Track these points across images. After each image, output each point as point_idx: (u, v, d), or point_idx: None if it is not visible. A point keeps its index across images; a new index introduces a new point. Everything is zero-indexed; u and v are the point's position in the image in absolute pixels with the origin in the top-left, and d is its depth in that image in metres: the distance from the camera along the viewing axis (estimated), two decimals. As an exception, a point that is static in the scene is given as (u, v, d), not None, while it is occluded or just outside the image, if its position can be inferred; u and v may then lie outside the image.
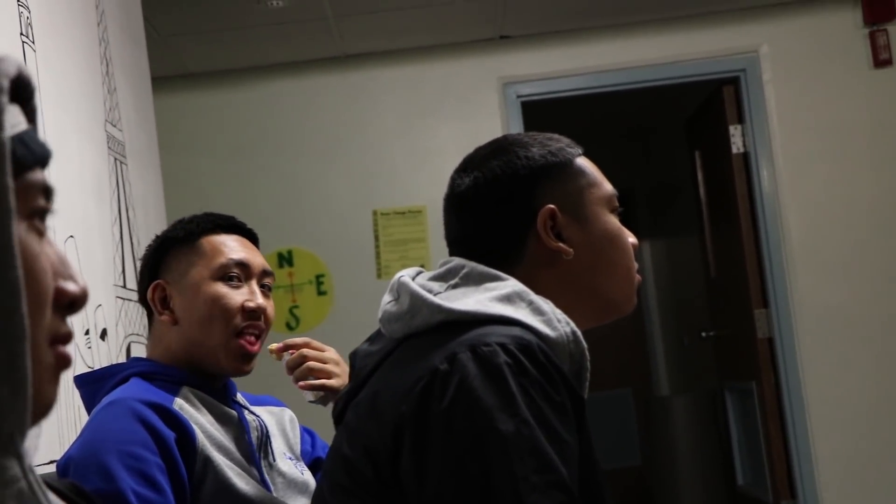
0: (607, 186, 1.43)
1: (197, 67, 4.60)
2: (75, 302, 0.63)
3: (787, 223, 4.47)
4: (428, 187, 4.52)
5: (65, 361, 0.63)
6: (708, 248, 5.18)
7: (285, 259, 4.58)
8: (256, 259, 1.78)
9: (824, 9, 4.52)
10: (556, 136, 1.44)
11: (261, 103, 4.63)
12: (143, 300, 1.77)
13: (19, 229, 0.58)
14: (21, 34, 2.04)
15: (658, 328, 6.88)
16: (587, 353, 1.31)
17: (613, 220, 1.42)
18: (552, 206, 1.37)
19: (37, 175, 0.62)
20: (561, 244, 1.37)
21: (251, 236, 1.83)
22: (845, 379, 4.39)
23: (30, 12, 2.10)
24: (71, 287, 0.63)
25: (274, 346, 1.83)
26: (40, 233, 0.62)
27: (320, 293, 4.57)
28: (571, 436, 1.21)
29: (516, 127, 4.53)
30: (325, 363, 1.78)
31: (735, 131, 4.61)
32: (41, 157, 0.62)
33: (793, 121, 4.51)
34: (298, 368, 1.77)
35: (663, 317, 6.86)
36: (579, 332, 1.30)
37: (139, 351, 2.58)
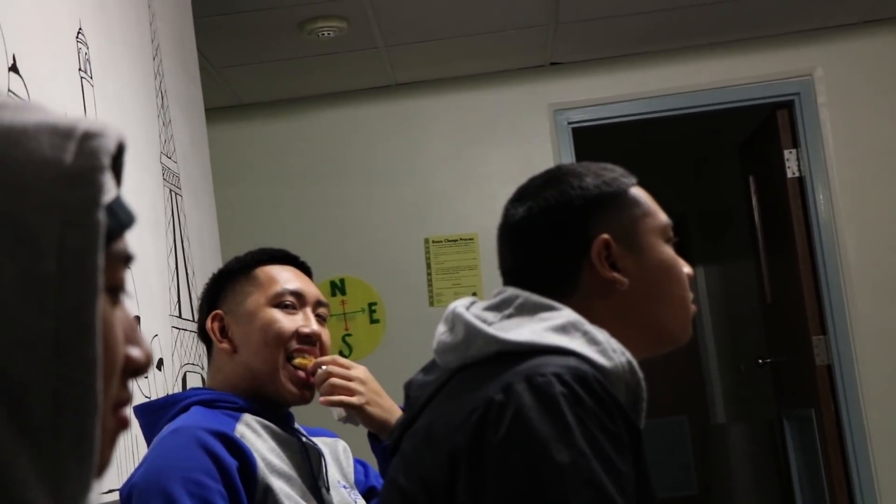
0: (662, 216, 1.42)
1: (249, 98, 4.65)
2: (140, 369, 0.64)
3: (844, 248, 4.41)
4: (479, 215, 4.52)
5: (125, 425, 0.64)
6: (764, 273, 5.12)
7: (338, 287, 4.59)
8: (310, 289, 1.81)
9: (879, 32, 4.47)
10: (609, 165, 1.43)
11: (312, 133, 4.67)
12: (202, 332, 1.80)
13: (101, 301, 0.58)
14: (80, 70, 2.08)
15: (714, 355, 6.80)
16: (643, 384, 1.30)
17: (668, 250, 1.40)
18: (606, 236, 1.36)
19: (120, 245, 0.62)
20: (616, 274, 1.36)
21: (305, 268, 1.87)
22: (907, 406, 4.31)
23: (88, 48, 2.14)
24: (137, 354, 0.63)
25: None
26: (117, 301, 0.62)
27: (373, 321, 4.58)
28: (628, 467, 1.20)
29: (567, 153, 4.52)
30: (349, 380, 1.76)
31: (790, 156, 4.56)
32: (126, 225, 0.63)
33: (848, 145, 4.45)
34: (322, 384, 1.76)
35: (719, 343, 6.78)
36: (635, 363, 1.29)
37: (195, 380, 2.60)
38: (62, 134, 0.58)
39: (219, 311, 1.77)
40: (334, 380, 1.75)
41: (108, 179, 0.59)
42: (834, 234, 4.42)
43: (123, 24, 2.45)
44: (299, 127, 4.68)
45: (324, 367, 1.75)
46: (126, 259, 0.63)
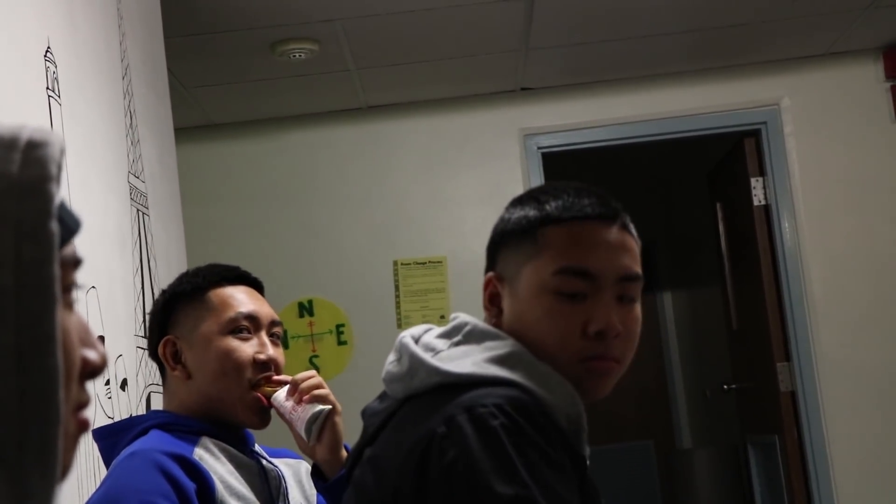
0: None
1: (220, 118, 4.64)
2: (96, 370, 0.64)
3: (809, 276, 4.45)
4: (448, 238, 4.53)
5: (85, 427, 0.64)
6: (730, 300, 5.16)
7: (305, 309, 4.58)
8: (264, 309, 1.79)
9: (846, 63, 4.53)
10: (540, 194, 1.41)
11: (283, 154, 4.67)
12: (153, 355, 1.78)
13: None
14: (47, 88, 2.07)
15: (680, 380, 6.82)
16: (584, 414, 1.31)
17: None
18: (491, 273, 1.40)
19: (68, 250, 0.62)
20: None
21: (257, 285, 1.83)
22: (869, 433, 4.34)
23: (56, 67, 2.13)
24: (93, 356, 0.63)
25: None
26: (69, 305, 0.62)
27: (340, 343, 4.57)
28: (572, 494, 1.20)
29: (536, 177, 4.55)
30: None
31: (756, 184, 4.60)
32: (73, 231, 0.63)
33: (814, 174, 4.50)
34: (306, 382, 1.73)
35: (685, 369, 6.81)
36: (576, 394, 1.30)
37: (159, 401, 2.58)
38: (6, 145, 0.58)
39: (170, 337, 1.74)
40: (320, 378, 1.75)
41: (56, 185, 0.59)
42: (799, 261, 4.46)
43: (93, 44, 2.45)
44: (269, 148, 4.68)
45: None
46: (75, 263, 0.63)
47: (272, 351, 1.75)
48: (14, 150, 0.58)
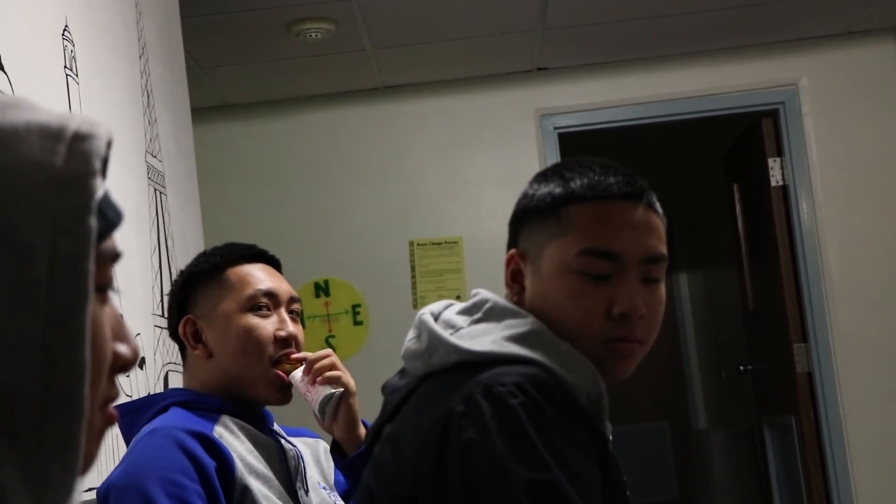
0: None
1: (236, 99, 4.65)
2: (127, 365, 0.63)
3: (826, 256, 4.43)
4: (464, 219, 4.53)
5: (112, 421, 0.63)
6: (746, 281, 5.14)
7: (322, 289, 4.59)
8: (283, 286, 1.79)
9: (864, 42, 4.50)
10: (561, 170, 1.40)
11: (299, 134, 4.67)
12: (174, 335, 1.79)
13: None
14: (65, 67, 2.08)
15: (696, 361, 6.82)
16: (605, 393, 1.30)
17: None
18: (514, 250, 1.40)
19: (108, 244, 0.62)
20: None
21: (274, 263, 1.83)
22: (886, 414, 4.33)
23: (74, 45, 2.14)
24: (124, 351, 0.63)
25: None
26: (104, 299, 0.62)
27: (356, 323, 4.58)
28: (592, 473, 1.20)
29: (553, 158, 4.53)
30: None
31: (774, 164, 4.58)
32: (115, 224, 0.62)
33: (832, 154, 4.48)
34: (320, 362, 1.73)
35: (701, 350, 6.80)
36: (597, 373, 1.28)
37: (177, 379, 2.60)
38: (52, 135, 0.58)
39: (190, 317, 1.74)
40: (336, 358, 1.75)
41: (99, 183, 0.58)
42: (816, 242, 4.44)
43: (110, 23, 2.45)
44: (285, 128, 4.68)
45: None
46: (114, 257, 0.63)
47: (292, 327, 1.75)
48: (60, 142, 0.58)
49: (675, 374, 6.80)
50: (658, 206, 1.36)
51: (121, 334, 0.63)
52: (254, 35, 3.95)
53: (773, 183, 4.58)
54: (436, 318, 1.38)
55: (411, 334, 1.38)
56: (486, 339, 1.29)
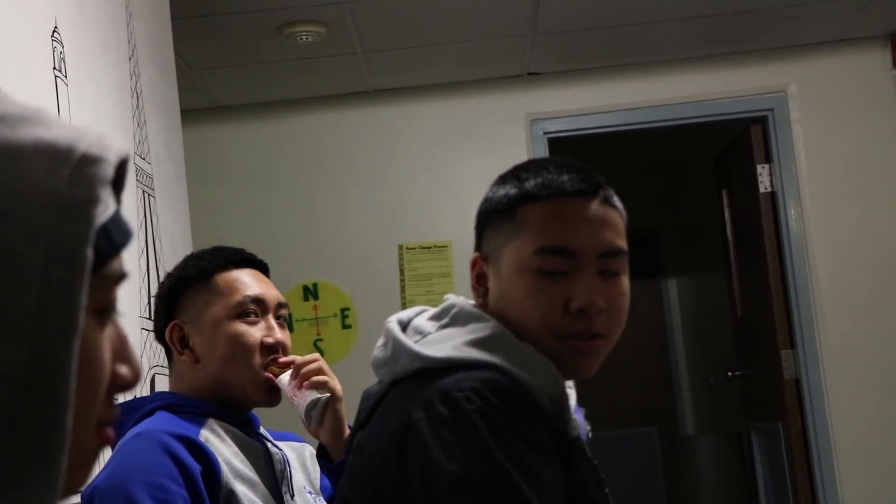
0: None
1: (226, 101, 4.64)
2: (127, 386, 0.62)
3: (814, 263, 4.44)
4: (454, 222, 4.53)
5: (107, 442, 0.62)
6: (734, 287, 5.16)
7: (310, 292, 4.59)
8: (271, 292, 1.78)
9: (853, 50, 4.52)
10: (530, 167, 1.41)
11: (289, 137, 4.66)
12: (160, 338, 1.78)
13: (86, 323, 0.56)
14: (54, 68, 2.07)
15: (684, 367, 6.82)
16: (567, 395, 1.31)
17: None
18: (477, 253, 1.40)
19: (114, 266, 0.60)
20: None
21: (262, 268, 1.83)
22: (873, 420, 4.34)
23: (63, 47, 2.13)
24: (125, 372, 0.62)
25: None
26: (105, 321, 0.60)
27: (345, 327, 4.57)
28: (554, 474, 1.21)
29: (543, 163, 4.53)
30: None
31: (763, 170, 4.59)
32: (121, 245, 0.60)
33: (820, 161, 4.49)
34: (307, 367, 1.73)
35: (689, 356, 6.81)
36: (559, 374, 1.29)
37: (163, 383, 2.59)
38: (59, 157, 0.56)
39: (177, 322, 1.74)
40: (323, 363, 1.75)
41: (101, 208, 0.56)
42: (804, 248, 4.46)
43: (100, 24, 2.44)
44: (275, 131, 4.67)
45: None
46: (119, 278, 0.61)
47: (279, 334, 1.75)
48: (65, 164, 0.56)
49: (664, 379, 6.80)
50: (616, 200, 1.37)
51: (123, 355, 0.62)
52: (244, 37, 3.95)
53: (762, 189, 4.59)
54: (406, 324, 1.39)
55: (380, 342, 1.40)
56: (447, 344, 1.30)
